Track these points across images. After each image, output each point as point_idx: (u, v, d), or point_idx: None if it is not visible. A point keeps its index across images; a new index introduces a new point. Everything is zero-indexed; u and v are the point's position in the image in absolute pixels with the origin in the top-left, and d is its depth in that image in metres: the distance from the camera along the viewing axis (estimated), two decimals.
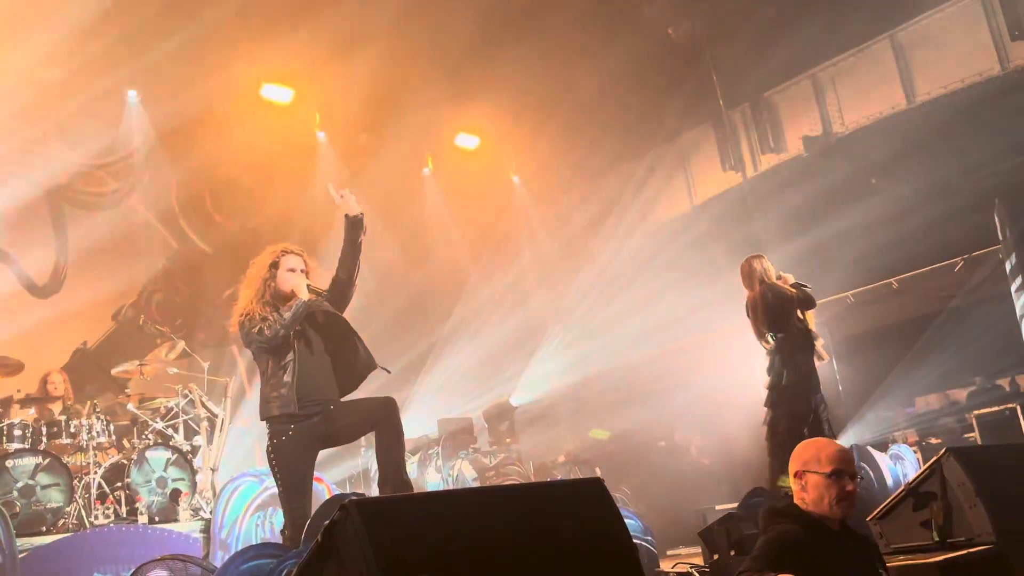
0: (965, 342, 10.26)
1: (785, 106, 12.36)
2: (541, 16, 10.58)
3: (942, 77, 10.63)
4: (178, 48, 9.62)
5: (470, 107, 12.01)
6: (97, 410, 7.24)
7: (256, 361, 4.74)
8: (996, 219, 9.69)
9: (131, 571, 4.53)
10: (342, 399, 4.76)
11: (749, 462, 8.30)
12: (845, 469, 3.06)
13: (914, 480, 4.48)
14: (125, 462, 7.00)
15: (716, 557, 5.18)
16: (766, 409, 6.60)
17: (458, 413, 11.72)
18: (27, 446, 6.68)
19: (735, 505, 6.04)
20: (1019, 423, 8.65)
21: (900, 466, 8.05)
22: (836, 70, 11.75)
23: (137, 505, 6.70)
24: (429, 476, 9.98)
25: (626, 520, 3.11)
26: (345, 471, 9.88)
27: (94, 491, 6.74)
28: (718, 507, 8.29)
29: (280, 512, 4.93)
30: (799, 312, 6.59)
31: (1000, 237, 9.75)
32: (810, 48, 11.31)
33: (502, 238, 13.47)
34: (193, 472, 7.14)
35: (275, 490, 4.83)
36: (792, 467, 3.15)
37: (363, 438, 6.26)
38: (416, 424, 10.98)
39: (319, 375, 4.66)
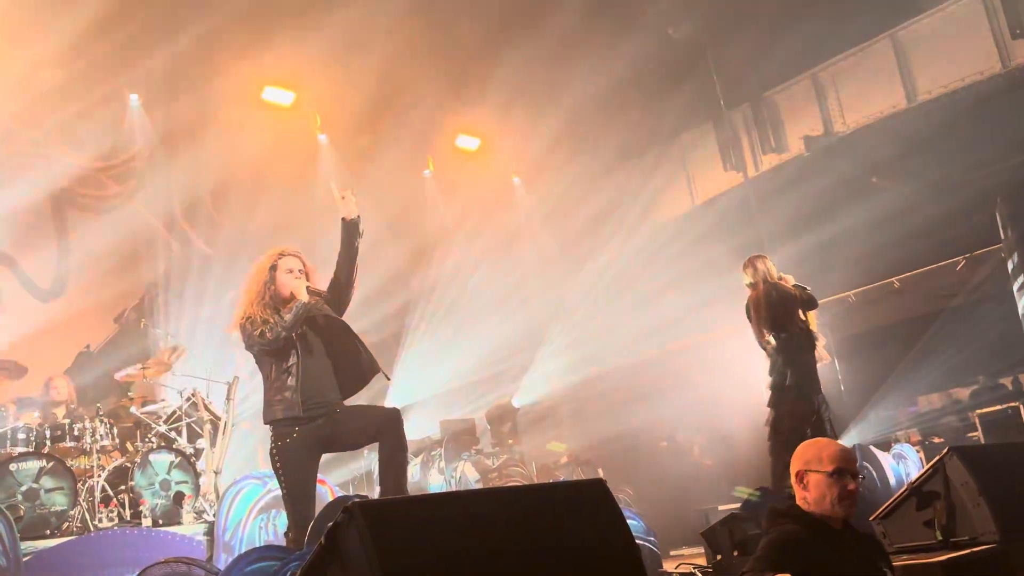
0: (967, 341, 10.25)
1: (786, 105, 12.35)
2: (541, 17, 10.58)
3: (943, 76, 10.63)
4: (180, 51, 9.65)
5: (471, 109, 12.02)
6: (100, 413, 7.25)
7: (258, 365, 4.73)
8: (998, 218, 9.69)
9: (135, 574, 4.53)
10: (345, 402, 4.76)
11: (751, 462, 8.30)
12: (847, 468, 3.06)
13: (917, 479, 4.49)
14: (129, 465, 7.01)
15: (719, 557, 5.18)
16: (768, 409, 6.60)
17: (460, 414, 11.74)
18: (31, 450, 6.70)
19: (738, 505, 6.04)
20: (1022, 422, 8.65)
21: (903, 465, 8.05)
22: (837, 69, 11.74)
23: (141, 508, 6.71)
24: (432, 478, 9.99)
25: (629, 521, 3.11)
26: (348, 473, 9.90)
27: (98, 494, 6.75)
28: (721, 507, 8.29)
29: (284, 514, 4.93)
30: (801, 313, 6.60)
31: (1002, 236, 9.75)
32: (811, 47, 11.31)
33: (503, 239, 13.47)
34: (196, 475, 7.15)
35: (278, 492, 4.85)
36: (794, 467, 3.15)
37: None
38: (418, 426, 11.00)
39: (322, 378, 4.66)
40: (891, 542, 4.35)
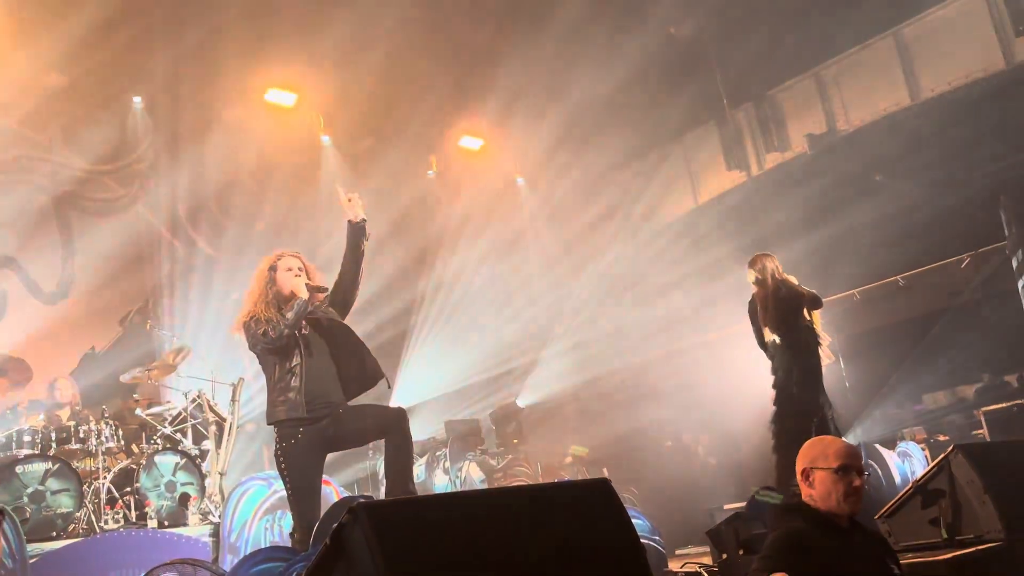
0: (972, 338, 10.23)
1: (789, 104, 12.33)
2: (543, 17, 10.59)
3: (946, 73, 10.61)
4: (183, 54, 9.68)
5: (474, 109, 12.03)
6: (106, 415, 7.27)
7: (262, 366, 4.74)
8: (1002, 215, 9.66)
9: None
10: (349, 403, 4.77)
11: (756, 462, 8.29)
12: (852, 464, 3.05)
13: (922, 477, 4.48)
14: (134, 467, 7.02)
15: (725, 556, 5.17)
16: (773, 408, 6.59)
17: (465, 415, 11.75)
18: (37, 452, 6.71)
19: (743, 504, 6.03)
20: None
21: (908, 463, 8.03)
22: (840, 67, 11.73)
23: (146, 510, 6.72)
24: (437, 478, 9.99)
25: (634, 520, 3.11)
26: (353, 474, 9.91)
27: (103, 496, 6.76)
28: (726, 506, 8.29)
29: (289, 515, 4.94)
30: (806, 312, 6.59)
31: (1006, 233, 9.72)
32: (813, 46, 11.30)
33: (507, 240, 13.48)
34: (202, 476, 7.16)
35: (284, 493, 4.84)
36: (799, 465, 3.15)
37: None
38: (423, 426, 11.01)
39: (326, 379, 4.66)
40: (896, 540, 4.34)
